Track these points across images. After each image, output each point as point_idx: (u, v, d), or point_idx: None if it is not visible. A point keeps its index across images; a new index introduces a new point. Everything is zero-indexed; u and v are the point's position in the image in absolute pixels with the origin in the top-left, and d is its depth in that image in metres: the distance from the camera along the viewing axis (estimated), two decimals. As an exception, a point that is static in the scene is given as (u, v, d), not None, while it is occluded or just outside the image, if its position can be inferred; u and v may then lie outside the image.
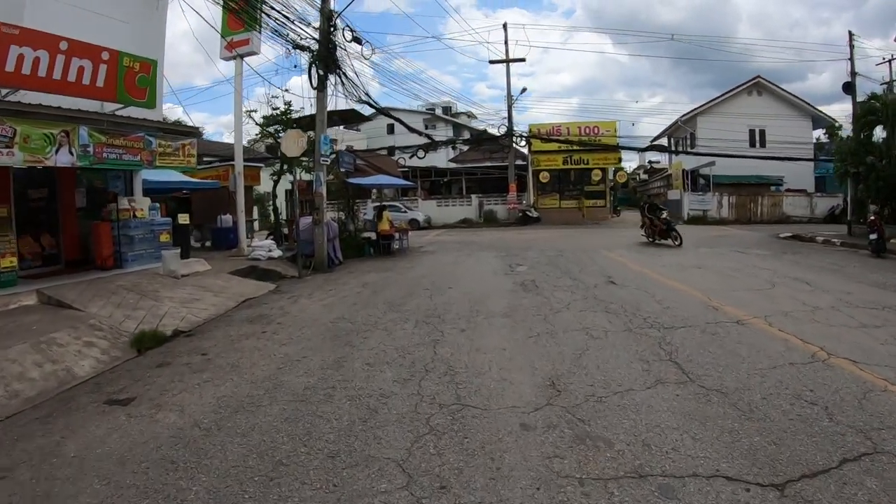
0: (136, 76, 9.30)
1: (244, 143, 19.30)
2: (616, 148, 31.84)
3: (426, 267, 13.22)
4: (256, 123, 18.76)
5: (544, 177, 30.88)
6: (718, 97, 35.04)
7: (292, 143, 12.45)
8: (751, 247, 16.45)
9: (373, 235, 17.27)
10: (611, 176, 33.64)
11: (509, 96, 30.63)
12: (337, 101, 16.98)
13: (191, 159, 11.04)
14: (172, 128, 12.03)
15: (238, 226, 16.12)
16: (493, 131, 30.62)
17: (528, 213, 29.42)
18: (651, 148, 38.91)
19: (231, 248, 15.78)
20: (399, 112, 53.93)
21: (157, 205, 12.25)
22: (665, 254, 14.74)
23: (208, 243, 18.48)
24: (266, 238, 16.64)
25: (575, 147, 30.82)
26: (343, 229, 16.63)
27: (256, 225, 22.33)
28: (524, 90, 29.82)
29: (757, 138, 34.08)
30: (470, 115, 47.98)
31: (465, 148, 35.87)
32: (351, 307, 8.68)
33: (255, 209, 23.83)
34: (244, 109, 16.89)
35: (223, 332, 7.29)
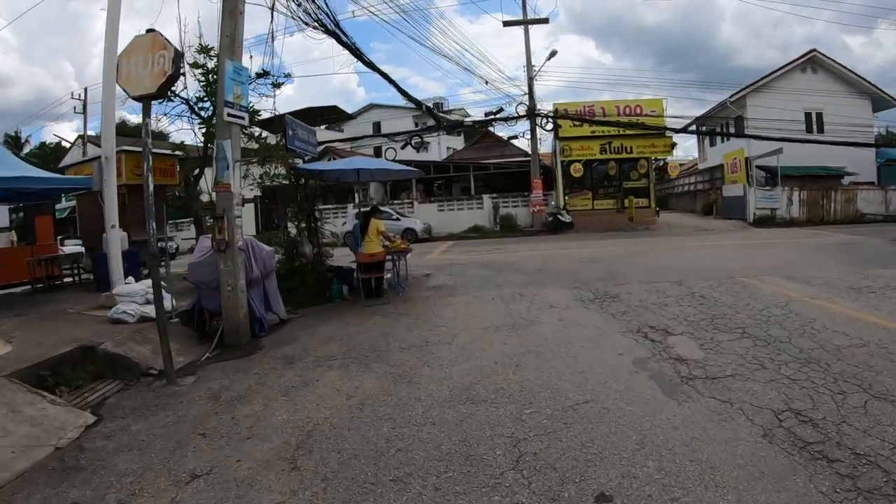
0: None
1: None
2: (664, 132, 24.91)
3: (462, 344, 6.18)
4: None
5: (577, 170, 23.88)
6: (768, 75, 29.22)
7: (140, 64, 5.23)
8: None
9: (350, 264, 10.23)
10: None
11: (529, 65, 23.65)
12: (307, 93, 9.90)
13: None
14: None
15: (111, 254, 9.03)
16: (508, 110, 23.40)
17: (559, 216, 22.44)
18: (688, 131, 31.97)
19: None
20: (386, 109, 47.31)
21: None
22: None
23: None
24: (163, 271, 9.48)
25: (616, 131, 23.91)
26: (292, 256, 9.54)
27: (177, 246, 15.18)
28: (553, 53, 21.87)
29: (814, 122, 28.61)
30: (463, 115, 40.95)
31: (467, 136, 28.77)
32: None
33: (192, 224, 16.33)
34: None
35: None
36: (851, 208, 25.06)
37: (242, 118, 7.07)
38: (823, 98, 27.97)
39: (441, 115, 40.26)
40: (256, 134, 12.24)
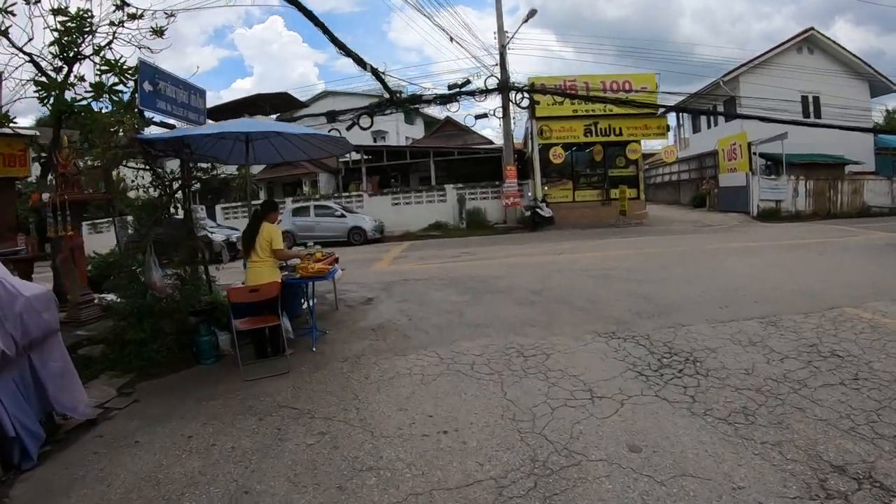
0: None
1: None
2: (657, 110, 21.45)
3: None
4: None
5: (557, 155, 20.15)
6: (763, 54, 26.38)
7: None
8: None
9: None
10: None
11: (500, 30, 19.69)
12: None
13: None
14: None
15: None
16: (475, 85, 19.38)
17: (538, 210, 18.68)
18: (687, 110, 28.83)
19: None
20: (341, 97, 42.81)
21: None
22: None
23: None
24: None
25: (603, 109, 20.34)
26: (135, 288, 5.51)
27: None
28: (533, 13, 17.84)
29: (811, 106, 26.02)
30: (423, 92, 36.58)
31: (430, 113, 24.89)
32: None
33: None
34: None
35: None
36: (858, 200, 22.52)
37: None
38: (820, 81, 25.45)
39: (395, 91, 36.12)
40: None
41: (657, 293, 7.30)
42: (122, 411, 4.61)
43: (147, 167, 6.04)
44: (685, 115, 32.31)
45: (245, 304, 5.01)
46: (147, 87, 6.36)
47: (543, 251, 12.86)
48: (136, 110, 6.27)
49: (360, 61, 14.46)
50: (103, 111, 6.41)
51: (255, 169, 32.75)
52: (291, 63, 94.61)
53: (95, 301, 7.04)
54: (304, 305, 7.72)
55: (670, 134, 28.07)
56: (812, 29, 26.23)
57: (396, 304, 7.59)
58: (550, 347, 5.12)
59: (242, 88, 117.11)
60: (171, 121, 7.13)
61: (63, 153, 6.52)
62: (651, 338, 5.31)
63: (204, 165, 6.72)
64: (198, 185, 6.60)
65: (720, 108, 27.87)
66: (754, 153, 22.27)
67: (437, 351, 5.20)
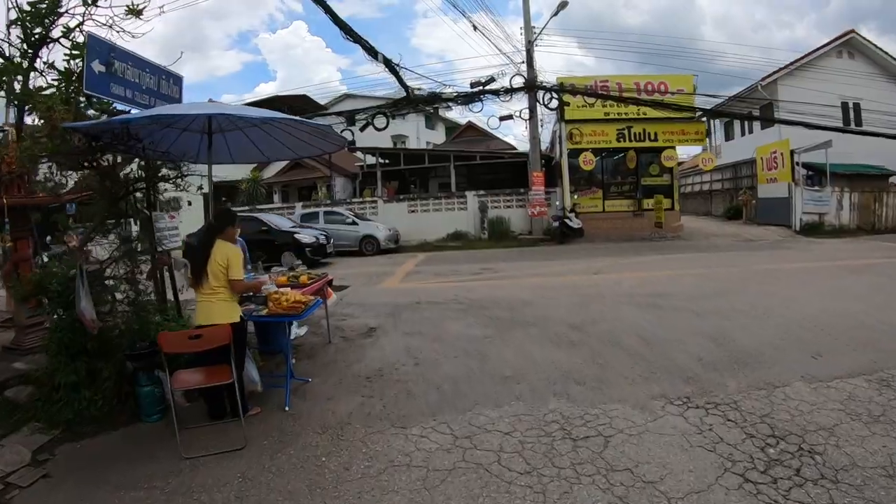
0: None
1: None
2: (694, 114, 19.87)
3: None
4: None
5: (588, 161, 18.62)
6: (801, 57, 24.66)
7: None
8: None
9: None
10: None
11: (527, 26, 18.29)
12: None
13: None
14: None
15: None
16: (499, 84, 17.93)
17: (567, 221, 17.17)
18: (725, 114, 27.07)
19: None
20: (360, 100, 41.77)
21: None
22: None
23: None
24: None
25: (636, 113, 18.87)
26: (58, 314, 4.42)
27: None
28: (563, 5, 16.39)
29: (851, 112, 24.22)
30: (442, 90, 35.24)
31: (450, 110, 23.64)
32: None
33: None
34: None
35: None
36: (902, 213, 20.62)
37: None
38: (861, 86, 23.52)
39: (423, 107, 34.70)
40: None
41: (726, 332, 5.82)
42: (24, 491, 3.37)
43: (88, 165, 4.74)
44: (717, 122, 30.63)
45: (176, 354, 3.66)
46: (97, 67, 5.11)
47: (576, 269, 11.38)
48: (86, 95, 5.05)
49: (370, 49, 13.10)
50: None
51: (270, 171, 31.78)
52: (314, 68, 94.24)
53: (46, 324, 5.82)
54: (295, 334, 6.42)
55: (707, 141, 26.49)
56: (853, 31, 24.57)
57: (403, 337, 6.19)
58: (608, 423, 3.68)
59: (265, 92, 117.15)
60: (135, 110, 5.89)
61: (11, 148, 5.31)
62: (741, 407, 3.86)
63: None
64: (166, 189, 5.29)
65: (756, 114, 26.22)
66: (797, 163, 20.51)
67: (449, 423, 3.79)
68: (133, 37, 5.80)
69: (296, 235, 14.27)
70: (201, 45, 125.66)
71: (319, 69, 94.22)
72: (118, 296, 4.89)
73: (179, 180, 4.96)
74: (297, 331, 6.38)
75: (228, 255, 3.82)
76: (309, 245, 14.18)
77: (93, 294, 4.42)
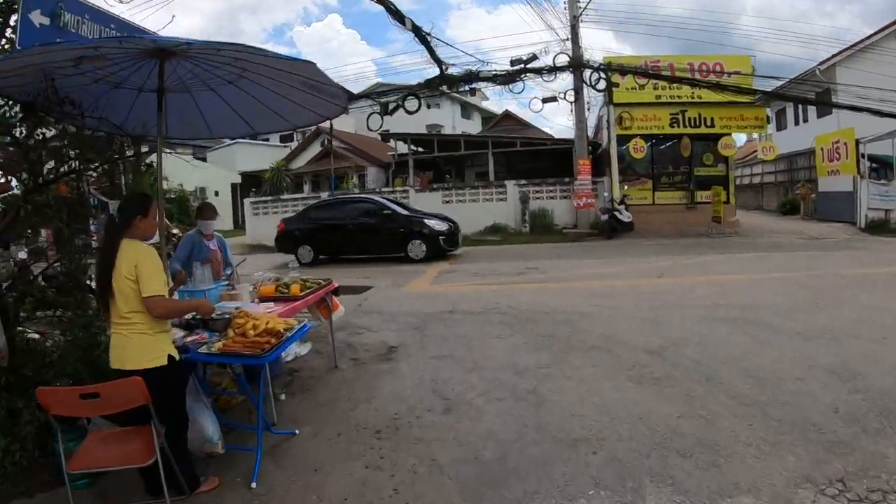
0: None
1: None
2: (754, 96, 17.98)
3: None
4: None
5: (639, 149, 16.91)
6: (862, 40, 22.35)
7: None
8: None
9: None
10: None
11: (573, 1, 16.62)
12: None
13: None
14: None
15: None
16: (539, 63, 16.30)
17: (616, 214, 15.56)
18: (789, 97, 24.73)
19: None
20: (395, 89, 40.63)
21: None
22: None
23: None
24: None
25: (690, 96, 17.12)
26: None
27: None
28: None
29: None
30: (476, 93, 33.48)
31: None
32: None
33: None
34: None
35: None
36: (970, 210, 18.27)
37: None
38: None
39: (456, 95, 33.18)
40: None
41: (849, 363, 4.29)
42: None
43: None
44: (769, 110, 28.37)
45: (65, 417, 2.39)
46: (38, 18, 3.88)
47: (634, 270, 9.82)
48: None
49: (396, 13, 11.61)
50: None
51: (300, 161, 30.82)
52: (349, 60, 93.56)
53: None
54: (295, 354, 5.17)
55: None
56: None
57: (430, 364, 4.83)
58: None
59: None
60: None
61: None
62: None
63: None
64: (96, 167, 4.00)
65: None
66: (862, 154, 18.34)
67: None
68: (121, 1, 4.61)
69: (426, 221, 12.90)
70: (238, 38, 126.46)
71: (354, 60, 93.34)
72: (50, 312, 3.68)
73: (131, 161, 3.66)
74: (297, 350, 5.12)
75: (138, 261, 2.51)
76: (443, 233, 12.73)
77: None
